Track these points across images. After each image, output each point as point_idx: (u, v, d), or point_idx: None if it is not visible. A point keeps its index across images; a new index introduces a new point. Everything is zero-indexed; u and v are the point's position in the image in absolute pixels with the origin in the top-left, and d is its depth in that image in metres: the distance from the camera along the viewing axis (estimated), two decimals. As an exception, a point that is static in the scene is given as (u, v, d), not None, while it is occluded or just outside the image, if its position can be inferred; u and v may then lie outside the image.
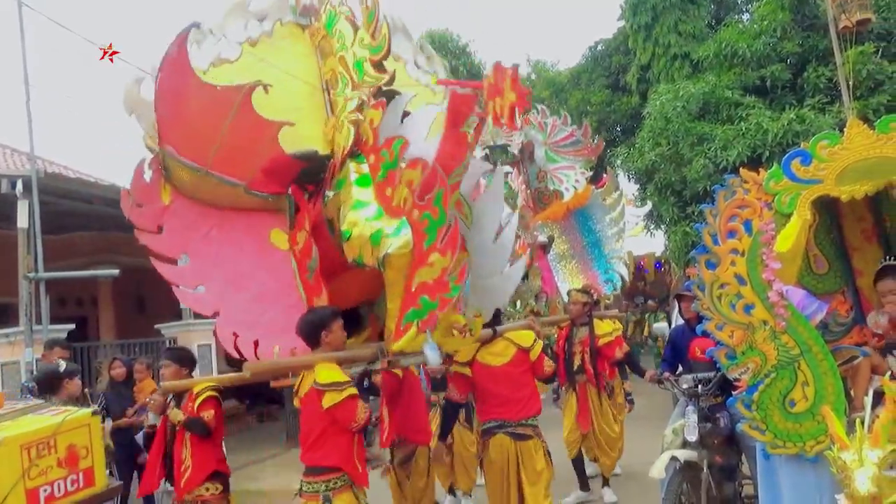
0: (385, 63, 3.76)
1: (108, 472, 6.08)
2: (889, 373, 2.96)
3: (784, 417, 2.98)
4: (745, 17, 14.19)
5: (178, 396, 4.33)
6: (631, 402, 6.36)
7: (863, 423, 2.51)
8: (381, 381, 4.56)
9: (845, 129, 2.96)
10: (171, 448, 4.31)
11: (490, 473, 4.43)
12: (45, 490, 3.23)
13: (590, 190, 7.16)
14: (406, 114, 3.56)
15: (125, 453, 6.11)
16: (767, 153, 9.75)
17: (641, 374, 6.08)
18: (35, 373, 7.40)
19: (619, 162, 14.69)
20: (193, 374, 4.82)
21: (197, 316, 9.50)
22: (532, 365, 4.44)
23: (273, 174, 3.82)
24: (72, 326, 8.78)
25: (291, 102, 4.00)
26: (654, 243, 15.89)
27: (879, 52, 10.46)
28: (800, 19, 11.40)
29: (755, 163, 8.87)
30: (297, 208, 3.96)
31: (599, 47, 18.36)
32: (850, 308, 3.57)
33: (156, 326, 10.16)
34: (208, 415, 4.12)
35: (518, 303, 7.28)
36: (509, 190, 7.28)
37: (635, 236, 13.42)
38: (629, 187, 16.28)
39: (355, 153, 3.69)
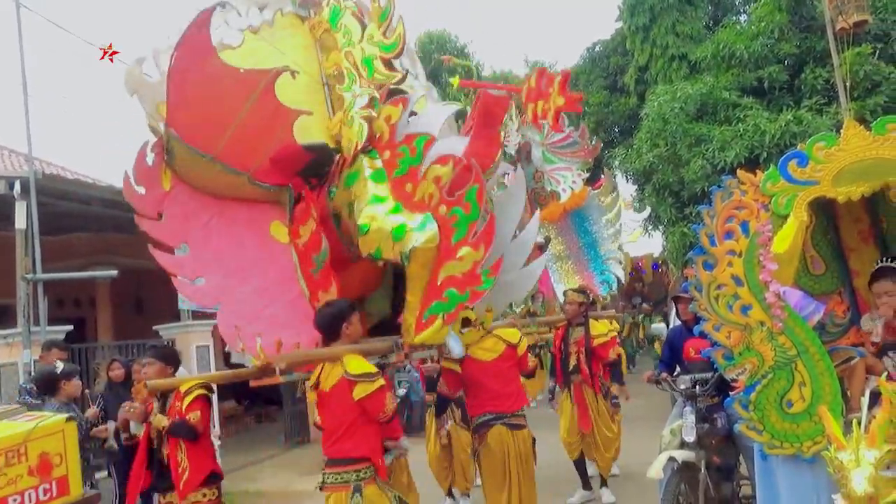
0: (394, 62, 3.80)
1: (106, 473, 6.09)
2: (885, 373, 2.97)
3: (781, 418, 2.99)
4: (743, 18, 14.25)
5: (164, 396, 4.11)
6: (616, 405, 6.32)
7: (859, 423, 2.51)
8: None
9: (842, 131, 2.97)
10: (158, 453, 4.05)
11: (489, 464, 4.50)
12: (15, 500, 3.09)
13: (586, 191, 7.18)
14: (412, 113, 3.66)
15: (126, 455, 6.07)
16: (765, 154, 9.78)
17: (621, 381, 6.26)
18: (33, 374, 7.40)
19: (617, 163, 14.72)
20: (177, 373, 4.85)
21: (195, 317, 9.48)
22: (518, 360, 4.62)
23: (280, 164, 3.75)
24: (70, 327, 8.76)
25: (297, 93, 4.00)
26: (652, 244, 15.92)
27: (876, 54, 10.50)
28: (797, 21, 11.44)
29: (753, 164, 8.90)
30: (296, 200, 3.92)
31: (597, 48, 18.42)
32: (846, 309, 3.57)
33: (154, 328, 10.14)
34: (194, 416, 3.88)
35: (512, 303, 7.30)
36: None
37: (634, 241, 13.43)
38: (627, 188, 16.33)
39: (366, 149, 3.72)
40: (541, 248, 7.40)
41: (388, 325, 4.09)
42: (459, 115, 4.57)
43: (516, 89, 4.11)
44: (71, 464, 3.34)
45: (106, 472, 6.31)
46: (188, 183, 3.79)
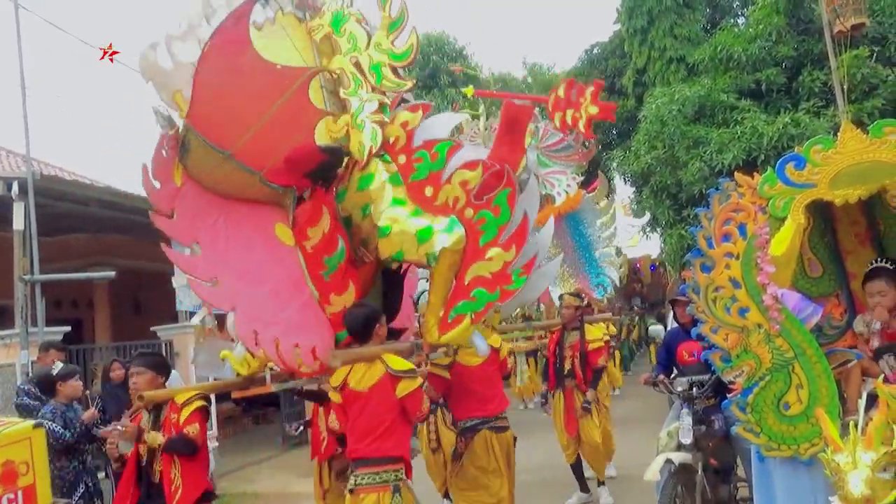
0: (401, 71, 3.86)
1: (104, 474, 6.06)
2: (882, 376, 2.98)
3: (778, 420, 3.00)
4: (741, 21, 14.28)
5: (156, 408, 3.81)
6: (587, 409, 6.27)
7: (856, 425, 2.52)
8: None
9: (839, 134, 2.98)
10: (147, 470, 3.76)
11: (475, 469, 4.59)
12: None
13: (581, 194, 7.18)
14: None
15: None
16: (762, 156, 9.80)
17: (594, 387, 6.25)
18: (30, 375, 7.39)
19: (614, 165, 14.75)
20: (167, 382, 4.83)
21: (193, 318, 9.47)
22: (500, 364, 4.80)
23: (293, 164, 3.68)
24: (68, 329, 8.75)
25: (319, 93, 3.99)
26: (651, 246, 15.95)
27: (874, 57, 10.52)
28: (795, 23, 11.46)
29: (750, 166, 8.92)
30: (299, 201, 3.87)
31: (595, 50, 18.47)
32: (843, 311, 3.58)
33: (152, 329, 10.13)
34: (193, 430, 3.65)
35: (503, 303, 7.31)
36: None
37: (633, 246, 13.48)
38: (625, 190, 16.39)
39: (379, 153, 3.77)
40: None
41: None
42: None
43: (540, 99, 4.36)
44: (39, 472, 3.17)
45: (104, 474, 6.28)
46: (196, 180, 3.66)
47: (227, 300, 3.63)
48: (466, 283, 3.55)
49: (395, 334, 4.20)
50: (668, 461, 4.40)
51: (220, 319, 5.10)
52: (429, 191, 3.65)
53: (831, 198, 2.95)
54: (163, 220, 3.60)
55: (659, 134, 11.15)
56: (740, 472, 4.81)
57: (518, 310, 8.15)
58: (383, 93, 3.83)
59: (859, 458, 2.42)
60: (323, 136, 3.80)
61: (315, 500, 4.71)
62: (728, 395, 3.18)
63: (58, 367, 5.59)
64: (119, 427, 3.76)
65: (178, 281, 5.34)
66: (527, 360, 10.93)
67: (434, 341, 3.72)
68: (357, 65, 3.90)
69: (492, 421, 4.64)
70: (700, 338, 3.18)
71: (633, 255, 16.36)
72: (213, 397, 5.05)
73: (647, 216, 13.58)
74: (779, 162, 3.05)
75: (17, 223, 8.25)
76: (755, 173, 3.15)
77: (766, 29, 11.30)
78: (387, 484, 3.53)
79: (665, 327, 9.35)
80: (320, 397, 4.54)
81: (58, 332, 8.31)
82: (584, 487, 6.43)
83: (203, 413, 3.76)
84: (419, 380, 3.65)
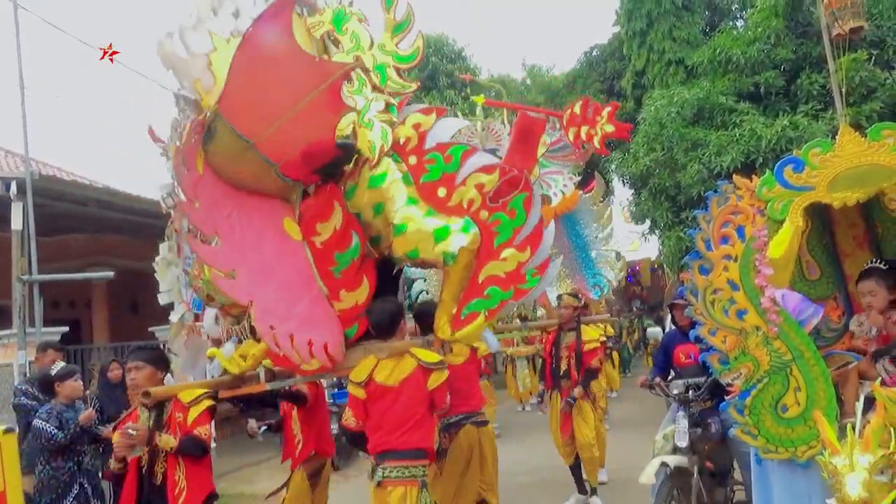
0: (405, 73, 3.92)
1: (96, 469, 6.01)
2: (879, 379, 2.99)
3: (776, 422, 3.00)
4: (740, 23, 14.29)
5: (158, 407, 3.60)
6: (570, 404, 6.28)
7: (854, 428, 2.53)
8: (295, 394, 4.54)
9: (837, 137, 2.98)
10: (149, 471, 3.55)
11: (455, 461, 4.73)
12: None
13: (578, 195, 7.18)
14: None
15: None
16: (761, 159, 9.81)
17: (586, 386, 6.25)
18: (28, 375, 7.38)
19: (613, 167, 14.75)
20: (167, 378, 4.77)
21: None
22: (477, 362, 5.01)
23: (310, 158, 3.62)
24: (65, 329, 8.75)
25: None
26: (649, 248, 15.96)
27: (872, 60, 10.54)
28: (793, 26, 11.48)
29: (749, 168, 8.93)
30: (304, 196, 3.83)
31: (594, 52, 18.46)
32: (841, 314, 3.59)
33: (150, 329, 10.13)
34: (204, 431, 3.51)
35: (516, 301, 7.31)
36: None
37: (634, 251, 13.49)
38: (623, 192, 16.40)
39: (389, 152, 3.82)
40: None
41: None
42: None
43: (555, 114, 4.88)
44: (9, 478, 3.06)
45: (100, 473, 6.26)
46: (214, 168, 3.58)
47: (245, 293, 3.54)
48: (480, 281, 3.68)
49: None
50: (664, 464, 4.39)
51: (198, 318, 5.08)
52: (442, 192, 3.74)
53: (829, 201, 2.95)
54: (189, 207, 3.53)
55: (658, 136, 11.15)
56: (737, 475, 4.81)
57: (515, 309, 8.15)
58: (394, 94, 3.89)
59: (856, 460, 2.42)
60: (338, 131, 3.78)
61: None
62: (726, 398, 3.18)
63: (55, 367, 5.58)
64: (130, 431, 3.46)
65: (164, 299, 5.29)
66: (528, 364, 10.93)
67: (447, 338, 3.79)
68: (361, 63, 3.89)
69: (474, 416, 4.80)
70: (698, 340, 3.18)
71: (632, 258, 16.38)
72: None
73: (648, 223, 13.60)
74: (777, 165, 3.06)
75: (16, 223, 8.25)
76: (753, 176, 3.16)
77: (765, 32, 11.31)
78: (415, 479, 3.58)
79: (663, 330, 9.36)
80: (297, 399, 4.54)
81: (55, 332, 8.31)
82: (581, 489, 6.42)
83: (212, 413, 3.65)
84: (447, 372, 3.76)
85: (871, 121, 8.95)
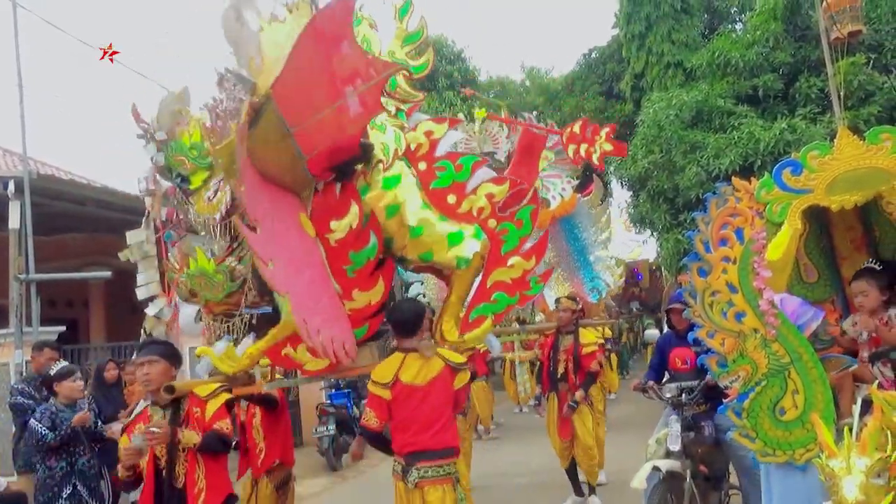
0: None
1: (95, 469, 5.96)
2: (876, 382, 2.99)
3: (774, 425, 3.00)
4: (738, 27, 14.30)
5: (174, 404, 3.44)
6: (572, 408, 6.27)
7: (851, 430, 2.53)
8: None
9: (835, 140, 2.99)
10: (169, 474, 3.37)
11: None
12: None
13: (576, 198, 7.19)
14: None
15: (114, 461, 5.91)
16: (759, 162, 9.81)
17: (586, 390, 6.26)
18: (24, 374, 7.36)
19: (611, 169, 14.76)
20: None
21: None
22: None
23: (334, 155, 3.56)
24: (62, 328, 8.73)
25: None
26: (647, 250, 15.97)
27: (870, 63, 10.56)
28: (792, 30, 11.49)
29: (747, 171, 8.93)
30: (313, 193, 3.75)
31: (593, 55, 18.48)
32: (839, 317, 3.60)
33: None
34: (225, 425, 3.38)
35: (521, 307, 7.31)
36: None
37: (634, 259, 13.50)
38: (622, 194, 16.41)
39: (400, 156, 3.90)
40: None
41: None
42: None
43: (555, 132, 5.29)
44: None
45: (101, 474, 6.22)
46: (250, 153, 3.44)
47: (282, 284, 3.47)
48: (488, 286, 3.89)
49: (381, 333, 4.23)
50: (656, 469, 4.36)
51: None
52: (451, 199, 3.90)
53: (828, 203, 2.96)
54: (238, 189, 3.47)
55: (656, 138, 11.16)
56: (734, 479, 4.78)
57: (512, 312, 8.14)
58: (403, 101, 3.99)
59: (854, 463, 2.42)
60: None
61: None
62: (724, 401, 3.18)
63: (57, 366, 5.53)
64: (154, 429, 3.27)
65: (142, 293, 5.14)
66: (528, 368, 10.93)
67: (454, 340, 3.90)
68: None
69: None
70: (697, 342, 3.18)
71: (630, 260, 16.39)
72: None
73: (648, 233, 13.63)
74: (776, 167, 3.06)
75: (13, 222, 8.25)
76: (752, 178, 3.16)
77: (764, 35, 11.33)
78: (449, 476, 3.66)
79: (661, 331, 9.36)
80: (269, 403, 4.48)
81: (52, 331, 8.30)
82: (578, 491, 6.43)
83: (230, 407, 3.55)
84: (469, 373, 3.91)
85: (870, 124, 8.96)
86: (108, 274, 9.20)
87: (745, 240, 3.04)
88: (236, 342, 4.11)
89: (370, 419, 3.76)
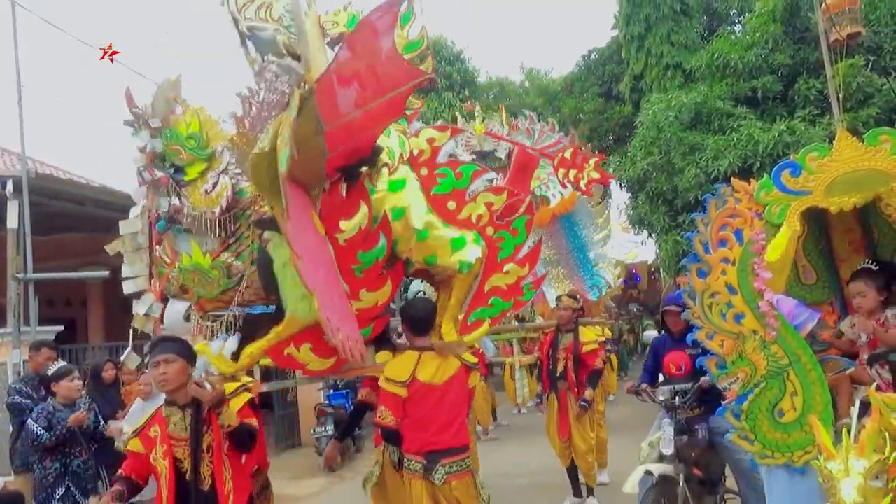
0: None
1: (91, 470, 5.95)
2: (875, 384, 2.99)
3: (773, 427, 2.99)
4: (738, 28, 14.33)
5: (195, 405, 3.28)
6: (584, 408, 6.28)
7: (849, 432, 2.52)
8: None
9: (834, 142, 2.98)
10: (195, 477, 3.23)
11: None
12: None
13: (576, 196, 7.20)
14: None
15: (112, 462, 5.75)
16: (758, 164, 9.84)
17: (594, 387, 6.31)
18: (22, 374, 7.35)
19: (611, 170, 14.77)
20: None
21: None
22: None
23: (350, 155, 3.53)
24: (60, 328, 8.72)
25: None
26: (646, 251, 15.98)
27: (869, 66, 10.59)
28: (791, 32, 11.52)
29: (746, 173, 8.95)
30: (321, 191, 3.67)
31: (593, 56, 18.49)
32: (837, 319, 3.59)
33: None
34: (253, 422, 3.35)
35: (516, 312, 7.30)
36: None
37: (632, 259, 13.51)
38: (621, 195, 16.41)
39: (405, 160, 3.98)
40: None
41: None
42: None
43: (548, 155, 5.89)
44: None
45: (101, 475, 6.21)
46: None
47: (310, 279, 3.35)
48: (486, 291, 4.03)
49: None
50: (648, 473, 4.33)
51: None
52: (451, 205, 4.00)
53: (826, 205, 2.95)
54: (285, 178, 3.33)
55: (655, 140, 11.18)
56: (731, 483, 4.75)
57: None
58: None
59: (852, 465, 2.42)
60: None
61: None
62: (722, 402, 3.17)
63: (55, 366, 5.52)
64: (208, 379, 3.18)
65: (129, 287, 4.95)
66: (528, 372, 10.93)
67: (454, 341, 3.97)
68: None
69: None
70: (695, 344, 3.18)
71: (629, 261, 16.38)
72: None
73: (645, 234, 13.63)
74: (775, 169, 3.05)
75: (11, 221, 8.23)
76: (751, 180, 3.16)
77: (763, 37, 11.35)
78: (469, 469, 3.85)
79: (659, 333, 9.34)
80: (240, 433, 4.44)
81: (50, 331, 8.28)
82: (577, 492, 6.42)
83: (252, 407, 3.46)
84: (479, 373, 4.12)
85: (868, 126, 8.97)
86: (106, 273, 9.18)
87: (744, 241, 3.04)
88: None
89: (386, 417, 3.80)
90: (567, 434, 6.26)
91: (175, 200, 4.00)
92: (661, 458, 4.42)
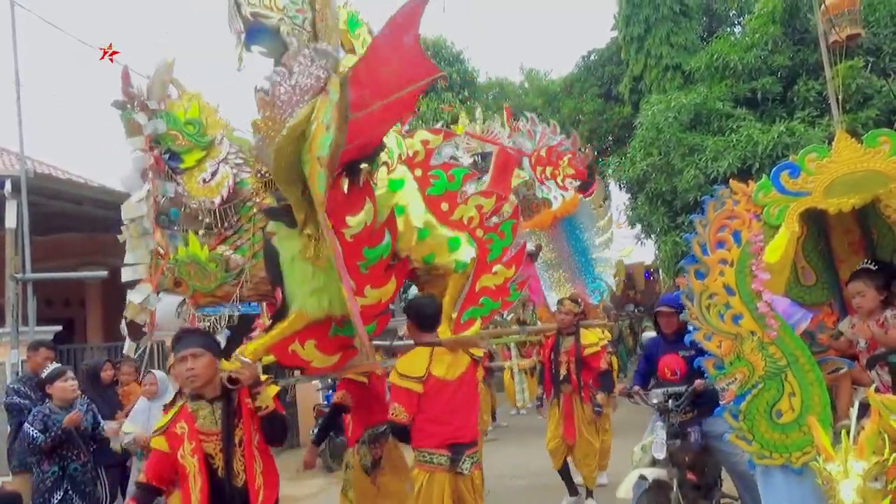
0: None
1: (90, 473, 5.92)
2: (874, 385, 2.99)
3: (771, 428, 2.99)
4: (737, 30, 14.34)
5: (225, 398, 3.17)
6: (598, 413, 6.31)
7: (848, 433, 2.52)
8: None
9: (834, 143, 2.98)
10: (228, 473, 3.11)
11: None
12: None
13: (577, 198, 7.19)
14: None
15: (111, 463, 5.79)
16: (757, 165, 9.85)
17: (609, 391, 6.42)
18: (20, 374, 7.34)
19: (610, 171, 14.80)
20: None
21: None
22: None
23: (359, 150, 3.47)
24: (59, 328, 8.70)
25: None
26: (645, 253, 15.98)
27: (868, 67, 10.60)
28: (791, 33, 11.53)
29: (745, 174, 8.96)
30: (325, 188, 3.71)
31: (592, 57, 18.51)
32: (836, 320, 3.59)
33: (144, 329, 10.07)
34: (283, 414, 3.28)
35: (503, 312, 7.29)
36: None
37: (626, 256, 13.52)
38: (620, 196, 16.42)
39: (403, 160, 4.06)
40: (531, 256, 7.42)
41: None
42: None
43: (524, 153, 6.32)
44: None
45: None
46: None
47: (344, 273, 3.30)
48: (476, 291, 4.17)
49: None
50: (643, 478, 4.30)
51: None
52: (444, 206, 4.12)
53: (825, 206, 2.95)
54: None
55: (654, 141, 11.19)
56: (729, 487, 4.72)
57: (511, 314, 8.14)
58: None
59: (851, 467, 2.42)
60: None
61: None
62: (708, 407, 3.17)
63: (49, 369, 5.49)
64: (239, 358, 3.11)
65: (128, 274, 4.81)
66: (529, 375, 10.92)
67: (448, 339, 4.04)
68: None
69: None
70: (693, 344, 3.17)
71: (627, 262, 16.38)
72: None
73: (639, 227, 13.62)
74: (774, 170, 3.05)
75: (10, 221, 8.22)
76: (750, 181, 3.15)
77: (763, 38, 11.36)
78: (480, 462, 4.08)
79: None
80: None
81: (49, 331, 8.27)
82: (572, 491, 6.41)
83: (280, 399, 3.33)
84: (481, 367, 4.30)
85: (868, 128, 8.98)
86: (104, 273, 9.17)
87: (742, 242, 3.04)
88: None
89: (399, 413, 3.80)
90: (573, 437, 6.22)
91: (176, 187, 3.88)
92: (654, 463, 4.38)
